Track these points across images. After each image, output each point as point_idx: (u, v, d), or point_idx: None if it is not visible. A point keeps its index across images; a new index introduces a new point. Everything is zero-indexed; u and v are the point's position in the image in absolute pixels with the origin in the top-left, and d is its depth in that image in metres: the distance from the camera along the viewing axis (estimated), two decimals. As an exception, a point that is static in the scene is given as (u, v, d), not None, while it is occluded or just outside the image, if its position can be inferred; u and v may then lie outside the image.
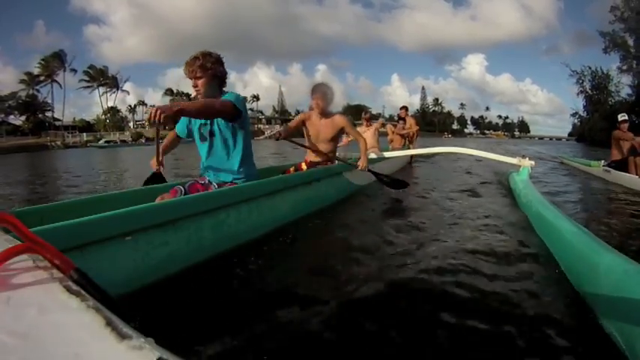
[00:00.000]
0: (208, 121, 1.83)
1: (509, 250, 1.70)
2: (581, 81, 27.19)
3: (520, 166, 3.52)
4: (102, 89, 48.27)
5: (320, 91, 2.80)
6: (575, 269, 1.28)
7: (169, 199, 1.61)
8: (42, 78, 42.37)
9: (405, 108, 6.65)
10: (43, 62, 42.70)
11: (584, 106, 28.32)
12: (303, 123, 2.90)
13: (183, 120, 1.97)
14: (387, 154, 4.53)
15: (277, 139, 2.83)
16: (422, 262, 1.53)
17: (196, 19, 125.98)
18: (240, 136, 1.86)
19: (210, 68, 1.76)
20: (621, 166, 4.34)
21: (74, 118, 49.65)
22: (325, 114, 2.84)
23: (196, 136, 1.92)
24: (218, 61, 1.81)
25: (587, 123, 28.11)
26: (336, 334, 1.01)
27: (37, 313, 0.40)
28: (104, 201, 1.57)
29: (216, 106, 1.68)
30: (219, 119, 1.80)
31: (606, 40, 23.14)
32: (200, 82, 1.77)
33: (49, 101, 42.69)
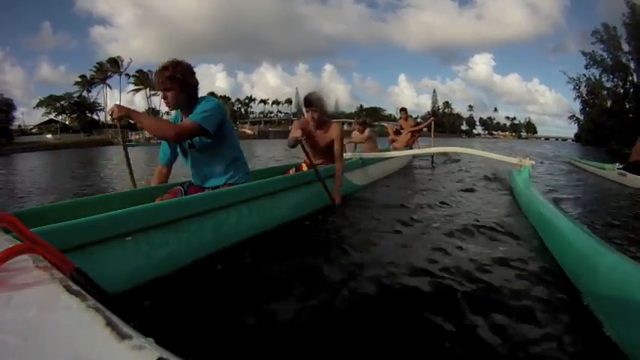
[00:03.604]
0: None
1: (509, 249, 1.70)
2: (577, 87, 29.66)
3: (521, 165, 3.52)
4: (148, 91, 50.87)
5: (316, 105, 2.64)
6: (576, 269, 1.28)
7: (170, 199, 1.61)
8: (95, 80, 46.15)
9: (404, 110, 7.01)
10: (98, 66, 46.55)
11: (580, 110, 30.93)
12: (302, 130, 2.80)
13: (164, 146, 1.91)
14: (387, 154, 4.54)
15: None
16: (420, 260, 1.53)
17: (201, 20, 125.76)
18: (223, 141, 1.79)
19: (179, 79, 1.66)
20: (638, 169, 4.13)
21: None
22: (321, 123, 2.73)
23: (178, 150, 1.87)
24: (188, 71, 1.70)
25: (583, 125, 30.80)
26: (336, 333, 1.01)
27: (37, 313, 0.40)
28: (104, 201, 1.57)
29: (169, 132, 1.59)
30: None
31: (587, 59, 27.10)
32: (170, 94, 1.67)
33: (99, 101, 45.83)
